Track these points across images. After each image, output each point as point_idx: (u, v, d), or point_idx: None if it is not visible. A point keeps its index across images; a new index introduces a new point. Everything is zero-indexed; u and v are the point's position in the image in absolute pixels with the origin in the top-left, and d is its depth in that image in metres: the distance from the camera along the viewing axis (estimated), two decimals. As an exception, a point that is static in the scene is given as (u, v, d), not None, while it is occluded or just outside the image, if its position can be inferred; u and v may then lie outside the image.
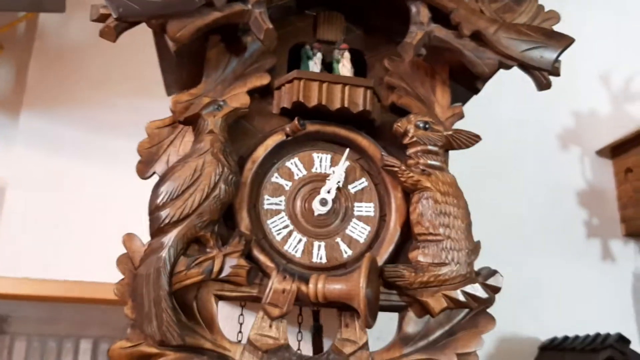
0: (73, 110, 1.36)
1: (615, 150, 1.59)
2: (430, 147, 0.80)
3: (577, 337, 1.29)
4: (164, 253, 0.70)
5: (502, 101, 1.48)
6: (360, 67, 0.89)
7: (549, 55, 0.81)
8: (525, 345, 1.42)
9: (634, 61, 1.71)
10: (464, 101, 0.92)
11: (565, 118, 1.61)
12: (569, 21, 1.56)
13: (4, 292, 1.04)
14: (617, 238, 1.55)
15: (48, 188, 1.28)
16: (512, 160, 1.53)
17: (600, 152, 1.59)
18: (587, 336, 1.25)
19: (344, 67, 0.85)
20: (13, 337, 1.13)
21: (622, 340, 1.15)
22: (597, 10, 1.70)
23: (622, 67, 1.69)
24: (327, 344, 0.77)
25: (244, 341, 0.74)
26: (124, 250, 0.75)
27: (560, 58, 0.82)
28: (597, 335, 1.21)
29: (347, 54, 0.86)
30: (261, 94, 0.83)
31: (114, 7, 0.73)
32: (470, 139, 0.82)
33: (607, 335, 1.18)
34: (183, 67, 0.87)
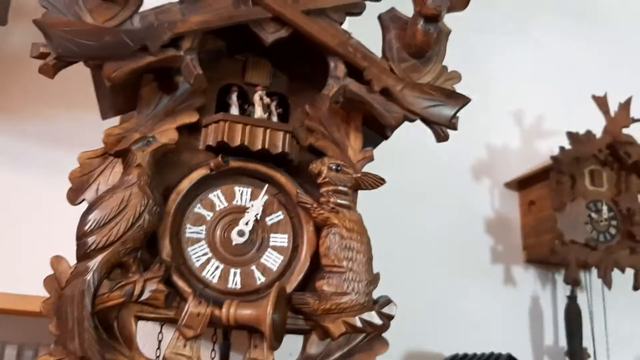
0: (8, 119, 1.39)
1: (522, 184, 1.76)
2: (340, 188, 0.90)
3: (475, 354, 1.42)
4: (89, 276, 0.76)
5: (421, 132, 1.60)
6: (285, 109, 0.98)
7: (447, 112, 0.92)
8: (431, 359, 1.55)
9: (544, 100, 1.88)
10: (376, 144, 1.02)
11: (478, 151, 1.76)
12: (485, 59, 1.72)
13: None
14: (518, 264, 1.71)
15: (-22, 196, 1.30)
16: (428, 188, 1.66)
17: (508, 185, 1.75)
18: (483, 354, 1.38)
19: (258, 108, 0.93)
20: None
21: (511, 359, 1.28)
22: (513, 50, 1.86)
23: (533, 106, 1.87)
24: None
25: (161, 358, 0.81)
26: (52, 271, 0.81)
27: (458, 115, 0.93)
28: (491, 354, 1.35)
29: (257, 96, 0.93)
30: (189, 130, 0.90)
31: (54, 48, 0.78)
32: (376, 182, 0.92)
33: (499, 355, 1.31)
34: (118, 97, 0.93)
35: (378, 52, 0.95)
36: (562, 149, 1.60)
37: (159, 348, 0.86)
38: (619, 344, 1.65)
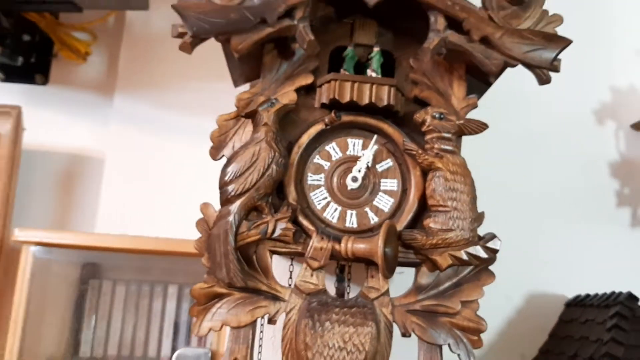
0: (158, 92, 1.59)
1: (651, 124, 1.67)
2: (444, 134, 0.97)
3: (596, 294, 1.43)
4: (231, 218, 0.92)
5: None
6: (390, 65, 1.06)
7: (547, 55, 0.95)
8: (553, 301, 1.57)
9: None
10: (481, 93, 1.07)
11: (601, 92, 1.70)
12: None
13: (107, 245, 1.29)
14: (646, 206, 1.65)
15: (139, 159, 1.53)
16: (549, 131, 1.64)
17: (636, 126, 1.67)
18: (605, 294, 1.39)
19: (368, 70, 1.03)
20: (115, 282, 1.39)
21: (631, 297, 1.28)
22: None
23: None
24: (355, 291, 0.98)
25: (292, 286, 0.96)
26: (201, 215, 0.98)
27: (559, 57, 0.95)
28: (612, 293, 1.35)
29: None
30: (306, 91, 1.01)
31: (189, 27, 0.93)
32: (479, 127, 0.98)
33: (620, 293, 1.31)
34: (245, 67, 1.07)
35: (478, 3, 0.99)
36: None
37: (290, 277, 1.00)
38: None
